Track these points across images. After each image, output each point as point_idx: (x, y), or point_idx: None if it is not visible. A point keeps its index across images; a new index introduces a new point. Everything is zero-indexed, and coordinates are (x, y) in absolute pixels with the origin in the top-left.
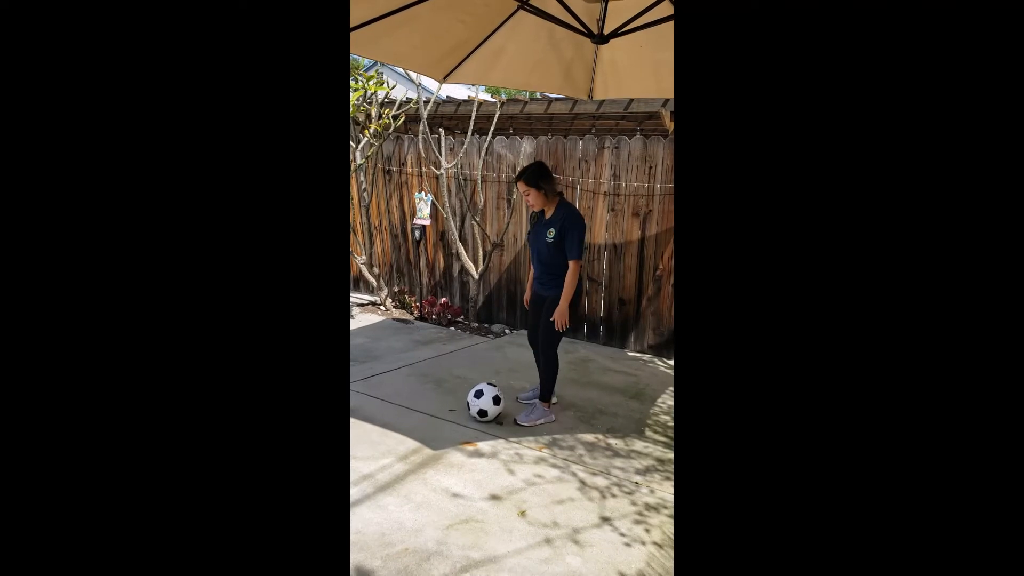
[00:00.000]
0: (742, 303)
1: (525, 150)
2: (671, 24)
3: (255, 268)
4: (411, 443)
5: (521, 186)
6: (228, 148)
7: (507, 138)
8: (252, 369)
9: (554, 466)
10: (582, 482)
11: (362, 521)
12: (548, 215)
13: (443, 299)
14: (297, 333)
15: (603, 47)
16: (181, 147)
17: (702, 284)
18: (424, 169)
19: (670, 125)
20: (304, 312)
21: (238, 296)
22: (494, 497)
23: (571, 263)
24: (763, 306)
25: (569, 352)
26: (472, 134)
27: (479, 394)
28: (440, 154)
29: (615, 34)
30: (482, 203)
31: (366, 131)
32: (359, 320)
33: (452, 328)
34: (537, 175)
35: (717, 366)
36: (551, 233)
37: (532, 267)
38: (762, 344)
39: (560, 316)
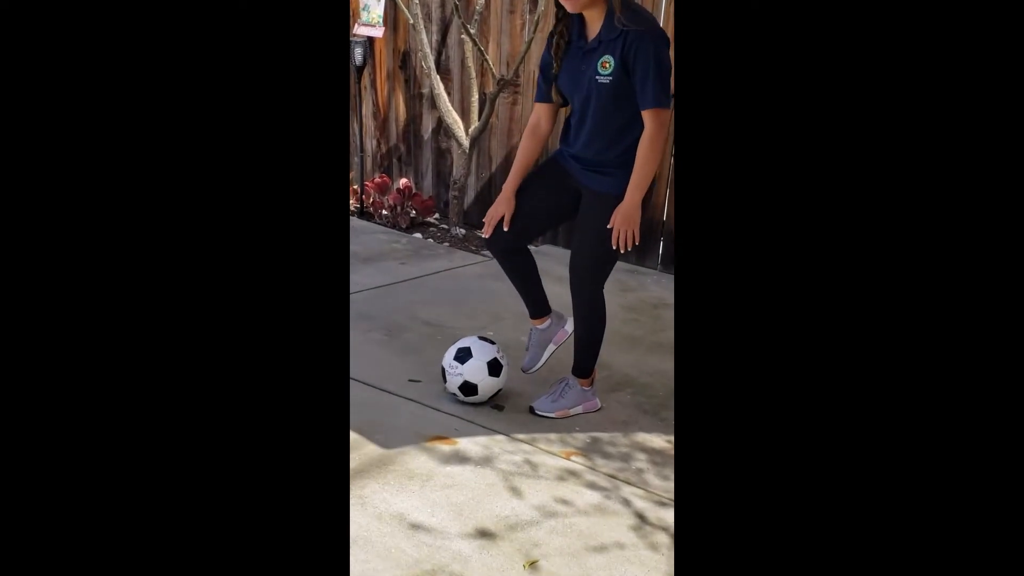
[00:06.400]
0: (744, 301)
1: None
2: None
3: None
4: None
5: None
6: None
7: None
8: (236, 350)
9: (592, 486)
10: (640, 516)
11: None
12: (594, 30)
13: (403, 181)
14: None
15: None
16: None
17: (703, 284)
18: None
19: None
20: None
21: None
22: (484, 534)
23: (651, 116)
24: (766, 302)
25: (628, 290)
26: None
27: (464, 355)
28: None
29: None
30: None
31: None
32: None
33: (418, 235)
34: None
35: (718, 365)
36: (607, 65)
37: (530, 136)
38: (765, 340)
39: (626, 222)
